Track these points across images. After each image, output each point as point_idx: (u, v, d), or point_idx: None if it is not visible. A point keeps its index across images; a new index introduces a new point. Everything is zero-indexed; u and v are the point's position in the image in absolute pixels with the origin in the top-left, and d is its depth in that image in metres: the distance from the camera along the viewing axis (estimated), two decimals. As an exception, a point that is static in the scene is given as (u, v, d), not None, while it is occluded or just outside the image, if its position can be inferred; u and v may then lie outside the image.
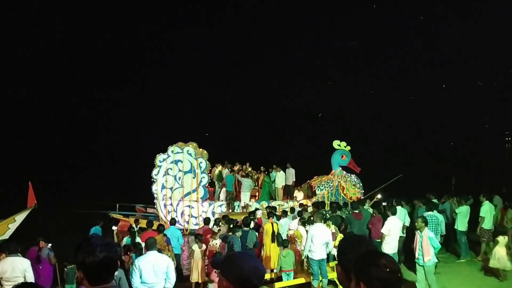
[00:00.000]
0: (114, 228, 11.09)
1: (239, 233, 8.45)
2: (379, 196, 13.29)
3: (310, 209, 11.72)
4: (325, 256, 8.16)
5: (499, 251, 8.67)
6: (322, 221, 8.62)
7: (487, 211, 10.43)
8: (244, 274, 1.99)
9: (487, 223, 10.38)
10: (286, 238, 9.33)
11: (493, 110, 26.68)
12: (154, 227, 9.62)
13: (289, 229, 10.01)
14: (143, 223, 11.19)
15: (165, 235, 8.90)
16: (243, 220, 9.19)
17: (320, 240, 7.99)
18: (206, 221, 10.45)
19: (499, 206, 12.16)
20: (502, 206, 12.18)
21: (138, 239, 8.63)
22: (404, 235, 9.97)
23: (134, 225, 10.68)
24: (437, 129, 28.20)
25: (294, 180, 16.06)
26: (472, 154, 26.45)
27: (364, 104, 29.81)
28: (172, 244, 9.03)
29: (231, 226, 9.41)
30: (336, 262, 8.64)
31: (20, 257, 6.62)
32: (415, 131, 28.63)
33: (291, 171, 15.85)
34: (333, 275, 8.78)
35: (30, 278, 6.33)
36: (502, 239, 8.84)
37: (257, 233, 9.23)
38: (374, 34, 31.61)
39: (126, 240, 9.13)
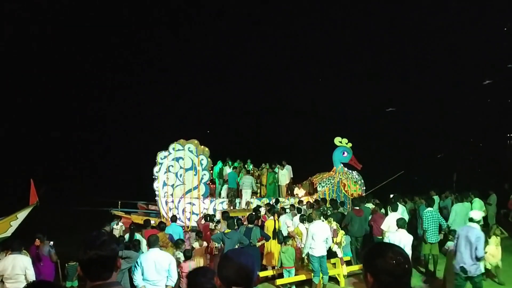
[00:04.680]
0: (119, 224, 11.12)
1: (229, 230, 8.38)
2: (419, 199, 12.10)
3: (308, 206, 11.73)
4: (325, 253, 8.17)
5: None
6: (322, 218, 8.62)
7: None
8: (227, 273, 2.03)
9: None
10: (286, 235, 9.34)
11: (496, 107, 26.59)
12: (155, 225, 9.64)
13: (288, 226, 10.01)
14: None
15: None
16: (248, 217, 9.20)
17: (321, 237, 8.00)
18: (206, 217, 10.46)
19: (494, 203, 12.28)
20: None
21: (137, 236, 8.63)
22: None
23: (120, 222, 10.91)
24: (438, 128, 28.10)
25: (292, 176, 16.19)
26: (475, 150, 26.38)
27: (365, 101, 29.72)
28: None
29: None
30: (337, 259, 8.70)
31: (22, 254, 6.63)
32: (416, 129, 28.53)
33: (289, 168, 16.04)
34: (333, 272, 8.80)
35: (31, 276, 6.34)
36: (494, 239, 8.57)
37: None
38: (375, 30, 31.52)
39: (127, 237, 9.14)
